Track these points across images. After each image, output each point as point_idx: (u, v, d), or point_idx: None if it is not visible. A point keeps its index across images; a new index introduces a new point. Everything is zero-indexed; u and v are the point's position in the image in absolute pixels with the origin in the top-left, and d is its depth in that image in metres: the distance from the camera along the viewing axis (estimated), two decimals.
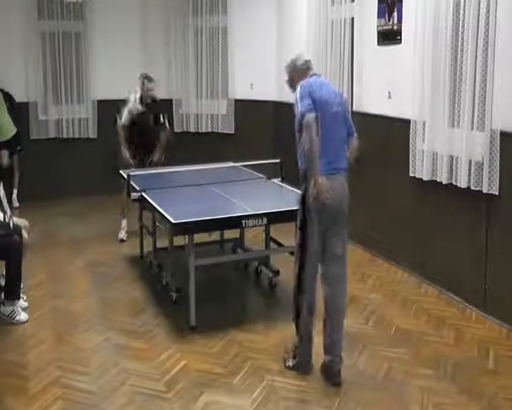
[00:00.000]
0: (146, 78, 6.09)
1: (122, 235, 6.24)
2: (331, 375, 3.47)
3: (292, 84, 3.56)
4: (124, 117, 6.05)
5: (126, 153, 6.02)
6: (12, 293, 4.29)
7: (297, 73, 3.54)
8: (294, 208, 4.29)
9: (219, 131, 8.04)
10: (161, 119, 6.20)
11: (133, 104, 6.05)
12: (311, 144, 3.22)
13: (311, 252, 3.43)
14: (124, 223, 6.26)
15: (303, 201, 3.44)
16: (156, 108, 6.18)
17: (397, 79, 5.24)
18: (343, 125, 3.55)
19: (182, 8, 8.03)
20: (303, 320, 3.52)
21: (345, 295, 3.56)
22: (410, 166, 4.96)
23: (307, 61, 3.58)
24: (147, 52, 8.27)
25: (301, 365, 3.58)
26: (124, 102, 6.11)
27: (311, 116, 3.22)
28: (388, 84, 5.37)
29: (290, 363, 3.61)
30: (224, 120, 8.01)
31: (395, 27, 5.23)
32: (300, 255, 3.46)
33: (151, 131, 6.12)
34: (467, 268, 4.52)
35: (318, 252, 3.46)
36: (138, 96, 6.07)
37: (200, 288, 4.22)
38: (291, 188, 4.89)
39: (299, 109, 3.30)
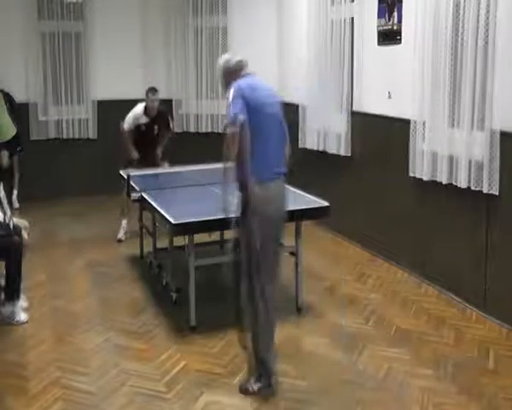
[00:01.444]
0: (150, 90, 6.11)
1: (120, 235, 6.24)
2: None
3: (226, 86, 3.37)
4: (128, 122, 6.12)
5: (133, 151, 6.07)
6: (12, 293, 4.29)
7: (230, 74, 3.37)
8: (294, 208, 4.32)
9: (219, 131, 8.03)
10: (170, 124, 6.37)
11: (138, 114, 6.12)
12: (231, 150, 3.09)
13: (263, 256, 3.22)
14: (123, 223, 6.26)
15: (244, 209, 3.22)
16: (161, 118, 6.26)
17: (397, 79, 5.25)
18: (280, 127, 3.37)
19: (182, 8, 8.03)
20: (262, 343, 3.34)
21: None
22: (410, 166, 4.96)
23: (240, 61, 3.40)
24: (147, 52, 8.27)
25: (269, 387, 3.36)
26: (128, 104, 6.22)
27: (240, 119, 3.09)
28: (388, 84, 5.37)
29: (255, 387, 3.37)
30: (224, 120, 8.01)
31: (395, 27, 5.23)
32: (249, 275, 3.27)
33: (154, 143, 6.25)
34: (467, 268, 4.52)
35: (270, 255, 3.28)
36: (143, 106, 6.13)
37: (200, 288, 4.22)
38: (291, 188, 4.88)
39: (230, 112, 3.14)
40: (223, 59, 3.48)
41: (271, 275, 3.33)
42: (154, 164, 6.12)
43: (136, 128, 6.14)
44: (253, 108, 3.16)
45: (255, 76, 3.40)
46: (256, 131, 3.16)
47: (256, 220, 3.18)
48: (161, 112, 6.27)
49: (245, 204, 3.20)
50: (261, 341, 3.35)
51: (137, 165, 6.03)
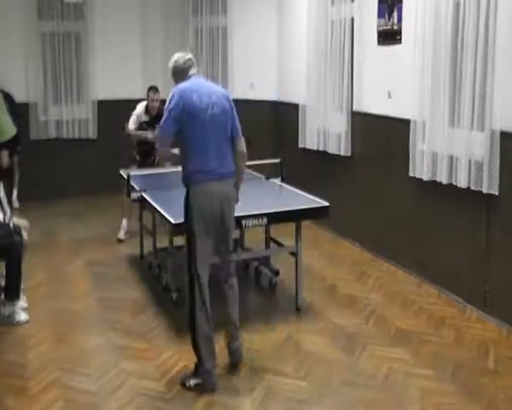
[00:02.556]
0: (150, 89, 6.19)
1: (121, 235, 6.25)
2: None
3: (176, 84, 3.48)
4: (132, 122, 6.18)
5: (148, 134, 6.06)
6: (12, 293, 4.29)
7: (178, 73, 3.46)
8: (294, 208, 4.33)
9: None
10: None
11: (140, 113, 6.19)
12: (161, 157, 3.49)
13: (200, 258, 3.38)
14: (124, 223, 6.26)
15: (186, 206, 3.40)
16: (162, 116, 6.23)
17: (397, 79, 5.24)
18: (223, 128, 3.39)
19: (182, 8, 8.03)
20: (201, 335, 3.41)
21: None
22: (410, 166, 4.96)
23: (188, 60, 3.46)
24: (147, 52, 8.28)
25: (206, 383, 3.41)
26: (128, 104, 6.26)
27: (163, 134, 3.37)
28: (388, 84, 5.37)
29: (191, 382, 3.42)
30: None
31: (395, 27, 5.23)
32: (188, 264, 3.42)
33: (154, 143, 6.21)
34: (467, 268, 4.52)
35: (209, 256, 3.42)
36: (144, 105, 6.21)
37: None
38: (291, 188, 4.89)
39: (161, 125, 3.36)
40: (173, 58, 3.53)
41: (207, 268, 3.43)
42: (155, 164, 6.14)
43: (139, 127, 6.19)
44: (189, 112, 3.29)
45: (200, 77, 3.53)
46: (192, 134, 3.31)
47: (193, 218, 3.34)
48: (163, 111, 6.23)
49: (186, 202, 3.38)
50: (198, 334, 3.41)
51: (139, 164, 6.13)
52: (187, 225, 3.41)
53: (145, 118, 6.21)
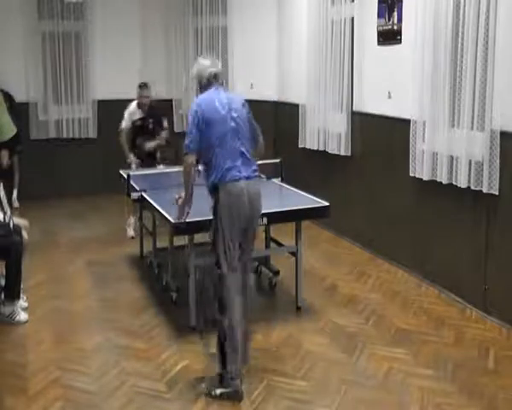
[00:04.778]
0: (140, 86, 6.32)
1: (131, 232, 6.27)
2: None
3: (197, 91, 3.58)
4: (125, 120, 6.30)
5: (131, 157, 6.22)
6: (12, 293, 4.29)
7: (202, 83, 3.53)
8: (294, 208, 4.33)
9: None
10: (164, 123, 6.41)
11: (132, 110, 6.30)
12: (185, 178, 3.46)
13: (229, 261, 3.36)
14: (131, 220, 6.27)
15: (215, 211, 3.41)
16: (155, 114, 6.37)
17: (397, 79, 5.24)
18: (242, 134, 3.45)
19: (182, 8, 8.04)
20: (229, 342, 3.33)
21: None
22: (410, 166, 4.96)
23: (213, 74, 3.51)
24: (147, 52, 8.28)
25: (233, 393, 3.32)
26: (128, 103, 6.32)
27: (188, 157, 3.40)
28: (388, 84, 5.37)
29: (218, 392, 3.33)
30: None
31: (395, 27, 5.23)
32: (218, 268, 3.39)
33: (150, 137, 6.32)
34: (467, 268, 4.52)
35: (235, 260, 3.39)
36: (136, 103, 6.33)
37: (200, 288, 4.22)
38: (291, 188, 4.89)
39: (186, 140, 3.42)
40: (199, 65, 3.56)
41: (234, 267, 3.39)
42: (152, 164, 6.22)
43: (133, 125, 6.28)
44: (207, 123, 3.36)
45: (220, 89, 3.53)
46: (212, 142, 3.37)
47: (220, 219, 3.35)
48: (155, 108, 6.40)
49: (214, 205, 3.40)
50: (227, 339, 3.34)
51: (137, 164, 6.18)
52: (216, 227, 3.39)
53: (138, 115, 6.29)
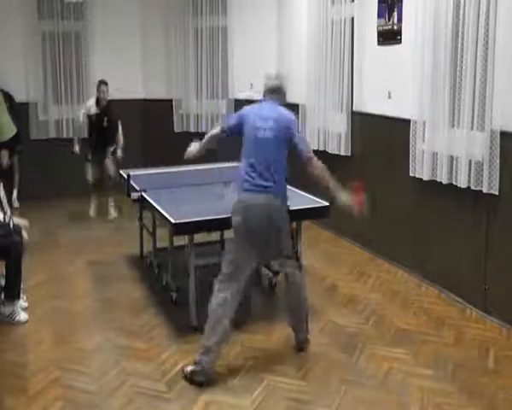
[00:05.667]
0: (102, 82, 6.86)
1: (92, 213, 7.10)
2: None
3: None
4: (80, 115, 7.00)
5: (76, 147, 7.03)
6: (12, 293, 4.30)
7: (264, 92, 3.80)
8: (294, 208, 4.32)
9: None
10: (119, 127, 7.02)
11: (89, 105, 6.90)
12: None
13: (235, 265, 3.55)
14: (92, 202, 7.08)
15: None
16: (110, 113, 6.90)
17: (397, 79, 5.25)
18: (277, 149, 3.62)
19: (182, 8, 8.03)
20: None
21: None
22: (410, 166, 4.96)
23: (273, 85, 3.78)
24: (147, 52, 8.28)
25: (198, 372, 3.48)
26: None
27: (217, 128, 3.90)
28: (388, 84, 5.37)
29: (188, 369, 3.50)
30: (223, 120, 8.00)
31: (395, 27, 5.23)
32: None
33: (105, 130, 6.93)
34: (467, 268, 4.53)
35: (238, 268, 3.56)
36: (94, 99, 6.89)
37: (200, 288, 4.22)
38: (291, 188, 4.88)
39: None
40: (266, 76, 3.88)
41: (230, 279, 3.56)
42: (103, 157, 6.96)
43: (89, 119, 6.91)
44: (245, 129, 3.64)
45: (267, 103, 3.74)
46: (245, 148, 3.64)
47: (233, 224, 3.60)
48: (111, 108, 6.88)
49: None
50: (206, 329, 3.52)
51: (91, 157, 7.01)
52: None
53: (94, 110, 6.86)
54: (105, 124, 6.89)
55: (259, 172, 3.55)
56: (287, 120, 3.66)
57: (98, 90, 6.84)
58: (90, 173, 7.04)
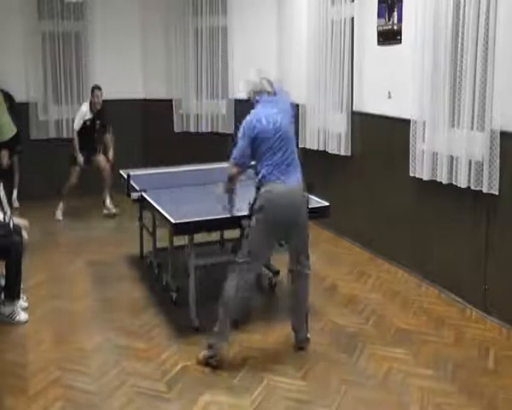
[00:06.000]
0: (96, 87, 6.99)
1: (59, 216, 7.08)
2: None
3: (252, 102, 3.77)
4: (76, 123, 7.01)
5: (80, 157, 6.98)
6: (12, 293, 4.30)
7: (255, 93, 3.76)
8: None
9: (219, 131, 8.03)
10: (108, 129, 7.23)
11: (84, 112, 6.98)
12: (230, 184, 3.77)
13: (253, 254, 3.60)
14: (60, 205, 7.08)
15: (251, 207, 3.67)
16: (102, 115, 7.08)
17: (397, 79, 5.24)
18: (291, 140, 3.69)
19: (182, 8, 8.02)
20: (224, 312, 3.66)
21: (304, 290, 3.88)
22: (410, 166, 4.96)
23: (262, 90, 3.76)
24: (147, 52, 8.28)
25: (212, 356, 3.66)
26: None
27: (234, 171, 3.67)
28: (388, 84, 5.37)
29: (201, 355, 3.68)
30: (223, 120, 8.01)
31: (395, 27, 5.23)
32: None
33: (97, 133, 7.14)
34: (467, 268, 4.53)
35: (259, 256, 3.66)
36: (88, 103, 7.01)
37: (201, 288, 4.22)
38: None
39: (234, 152, 3.64)
40: (254, 80, 3.85)
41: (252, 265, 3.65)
42: (93, 156, 7.14)
43: (83, 125, 6.98)
44: (259, 138, 3.56)
45: (271, 95, 3.73)
46: (263, 150, 3.58)
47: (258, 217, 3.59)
48: (103, 110, 7.04)
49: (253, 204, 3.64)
50: (220, 315, 3.66)
51: (85, 161, 7.05)
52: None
53: (89, 115, 6.97)
54: (97, 127, 7.09)
55: (289, 163, 3.61)
56: (287, 107, 3.78)
57: (92, 94, 6.95)
58: (74, 176, 7.05)
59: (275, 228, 3.60)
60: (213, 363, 3.64)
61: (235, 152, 3.64)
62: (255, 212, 3.58)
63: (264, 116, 3.59)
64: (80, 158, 6.97)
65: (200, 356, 3.68)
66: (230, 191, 3.79)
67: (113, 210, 7.19)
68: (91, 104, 6.97)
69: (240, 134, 3.63)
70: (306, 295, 3.90)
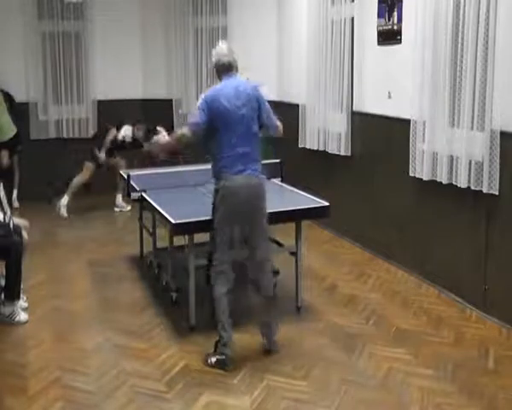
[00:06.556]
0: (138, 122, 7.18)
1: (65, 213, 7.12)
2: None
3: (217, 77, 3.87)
4: (104, 149, 7.15)
5: (102, 154, 7.18)
6: (12, 293, 4.29)
7: (217, 70, 3.88)
8: (294, 208, 4.33)
9: None
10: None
11: (126, 135, 7.10)
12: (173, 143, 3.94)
13: (220, 242, 3.63)
14: (65, 200, 7.15)
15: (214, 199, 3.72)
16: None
17: (397, 79, 5.24)
18: (248, 126, 3.66)
19: (182, 8, 8.03)
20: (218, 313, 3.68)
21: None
22: (410, 166, 4.96)
23: (226, 64, 3.89)
24: (147, 52, 8.29)
25: (222, 360, 3.64)
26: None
27: (184, 131, 3.72)
28: (388, 84, 5.37)
29: (212, 360, 3.66)
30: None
31: (395, 27, 5.23)
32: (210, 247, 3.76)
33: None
34: (467, 268, 4.53)
35: (228, 242, 3.64)
36: (131, 130, 7.12)
37: (200, 288, 4.22)
38: (291, 188, 4.89)
39: (190, 119, 3.73)
40: (217, 53, 3.92)
41: (228, 256, 3.66)
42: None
43: (115, 140, 7.16)
44: (216, 115, 3.59)
45: (231, 79, 3.86)
46: (220, 133, 3.59)
47: (219, 209, 3.63)
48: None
49: (215, 195, 3.68)
50: (216, 312, 3.68)
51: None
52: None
53: (129, 139, 7.11)
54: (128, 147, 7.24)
55: (246, 152, 3.60)
56: (253, 90, 3.83)
57: (138, 128, 7.04)
58: (87, 173, 7.18)
59: (236, 215, 3.61)
60: (225, 366, 3.62)
61: (195, 116, 3.69)
62: (217, 204, 3.63)
63: (224, 91, 3.66)
64: (102, 154, 7.10)
65: (211, 360, 3.66)
66: (158, 154, 3.92)
67: (127, 208, 7.27)
68: (133, 132, 7.09)
69: (198, 105, 3.70)
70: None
